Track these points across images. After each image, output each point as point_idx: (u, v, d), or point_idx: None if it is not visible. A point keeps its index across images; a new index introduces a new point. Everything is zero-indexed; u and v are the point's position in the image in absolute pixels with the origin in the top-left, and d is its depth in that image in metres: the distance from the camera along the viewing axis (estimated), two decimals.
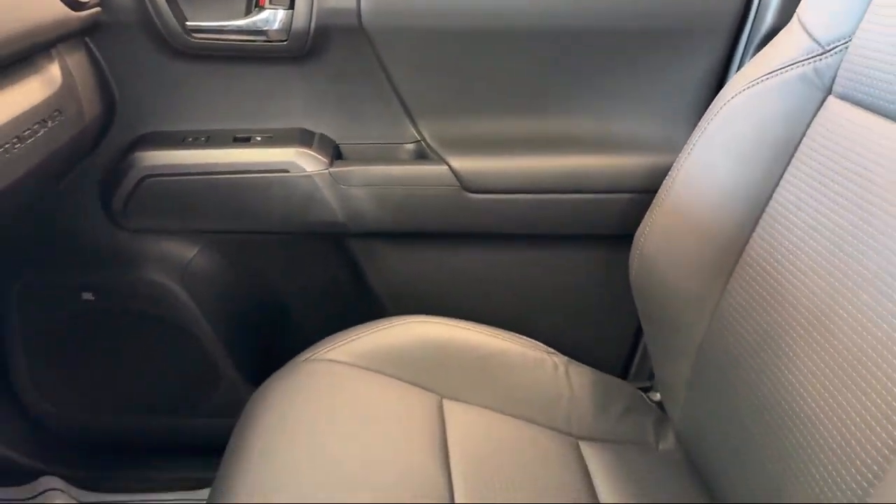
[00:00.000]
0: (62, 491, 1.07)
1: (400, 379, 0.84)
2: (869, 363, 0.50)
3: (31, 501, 1.05)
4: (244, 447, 0.72)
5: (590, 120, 0.97)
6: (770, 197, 0.68)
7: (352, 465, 0.69)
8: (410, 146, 1.00)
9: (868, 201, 0.55)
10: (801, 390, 0.56)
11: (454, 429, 0.79)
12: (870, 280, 0.53)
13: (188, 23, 0.90)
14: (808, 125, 0.66)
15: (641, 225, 0.84)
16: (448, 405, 0.83)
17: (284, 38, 0.91)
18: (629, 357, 1.13)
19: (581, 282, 1.03)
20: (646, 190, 0.90)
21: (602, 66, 0.94)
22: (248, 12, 0.92)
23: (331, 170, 0.94)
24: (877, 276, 0.52)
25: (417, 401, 0.81)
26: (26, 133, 0.72)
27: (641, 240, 0.83)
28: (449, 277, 1.03)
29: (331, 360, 0.85)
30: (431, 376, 0.86)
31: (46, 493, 1.06)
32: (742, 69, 0.77)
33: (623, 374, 1.14)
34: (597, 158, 0.95)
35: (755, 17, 0.89)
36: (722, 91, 0.77)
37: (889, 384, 0.48)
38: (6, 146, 0.66)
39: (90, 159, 0.95)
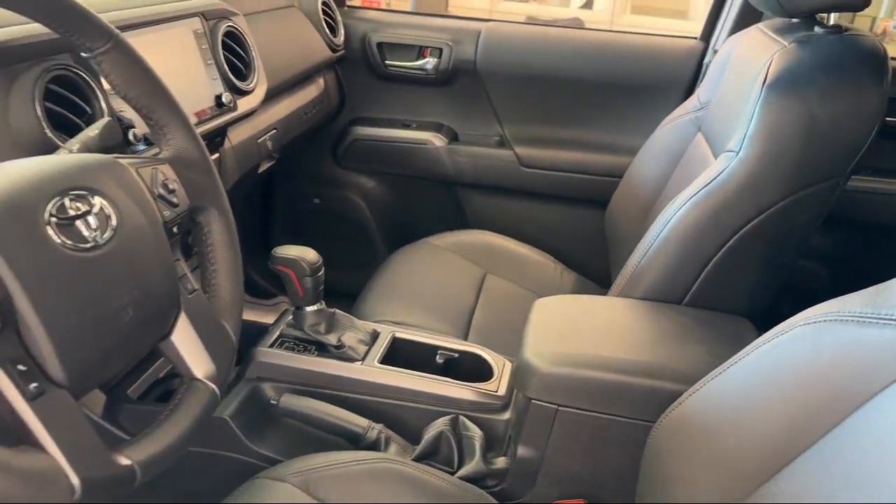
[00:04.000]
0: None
1: (466, 258, 1.59)
2: None
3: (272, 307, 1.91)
4: (382, 282, 1.48)
5: (595, 131, 1.69)
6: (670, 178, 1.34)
7: (428, 290, 1.44)
8: (496, 137, 1.77)
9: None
10: None
11: (487, 287, 1.52)
12: None
13: (386, 61, 1.72)
14: (688, 145, 1.32)
15: (613, 196, 1.54)
16: (489, 276, 1.57)
17: (434, 74, 1.71)
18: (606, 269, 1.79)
19: (577, 223, 1.74)
20: (619, 175, 1.59)
21: (606, 101, 1.65)
22: (417, 58, 1.72)
23: (449, 146, 1.73)
24: None
25: (473, 269, 1.56)
26: (306, 112, 1.58)
27: (611, 203, 1.53)
28: (505, 214, 1.79)
29: (433, 245, 1.62)
30: (484, 260, 1.59)
31: (279, 305, 1.93)
32: (671, 113, 1.45)
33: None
34: (596, 155, 1.66)
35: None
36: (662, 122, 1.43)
37: None
38: (302, 116, 1.52)
39: (329, 127, 1.80)
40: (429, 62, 1.71)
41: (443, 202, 1.86)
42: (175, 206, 0.71)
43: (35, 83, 0.78)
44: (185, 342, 0.69)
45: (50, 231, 0.56)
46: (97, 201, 0.61)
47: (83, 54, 0.70)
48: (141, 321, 0.62)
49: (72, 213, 0.58)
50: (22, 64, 0.79)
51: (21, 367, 0.52)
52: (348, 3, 1.81)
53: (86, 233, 0.58)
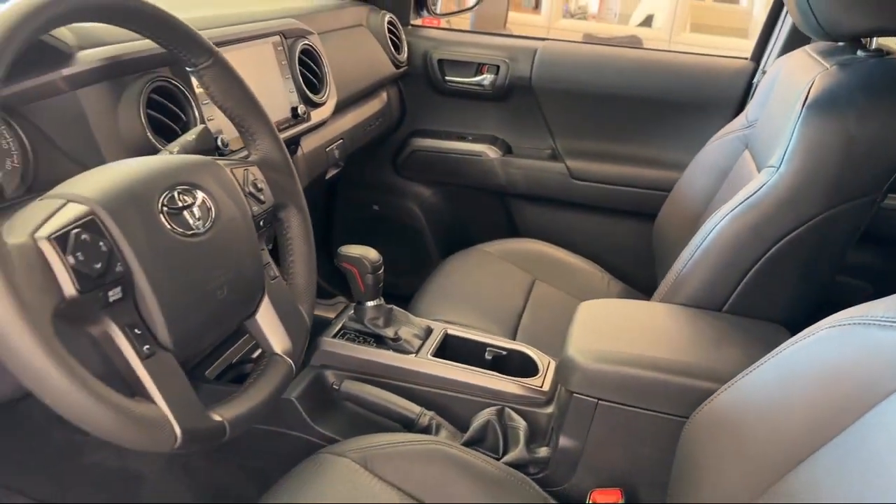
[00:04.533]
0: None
1: (516, 265, 1.67)
2: None
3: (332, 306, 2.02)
4: (436, 285, 1.57)
5: (645, 146, 1.75)
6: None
7: (479, 293, 1.52)
8: (548, 151, 1.84)
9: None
10: None
11: (535, 292, 1.59)
12: None
13: (446, 77, 1.82)
14: (735, 161, 1.37)
15: (662, 209, 1.59)
16: (537, 283, 1.64)
17: (491, 89, 1.80)
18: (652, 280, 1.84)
19: (625, 234, 1.80)
20: (667, 189, 1.64)
21: (657, 117, 1.71)
22: (475, 74, 1.81)
23: (503, 158, 1.81)
24: None
25: (522, 275, 1.63)
26: (370, 123, 1.68)
27: (659, 215, 1.58)
28: (554, 224, 1.86)
29: (485, 251, 1.70)
30: (533, 267, 1.66)
31: (337, 305, 2.03)
32: (720, 131, 1.50)
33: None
34: (645, 169, 1.72)
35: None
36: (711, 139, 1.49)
37: None
38: (366, 127, 1.62)
39: (390, 138, 1.91)
40: (486, 78, 1.80)
41: (495, 211, 1.94)
42: (262, 202, 0.81)
43: (140, 93, 0.89)
44: (268, 321, 0.79)
45: (163, 219, 0.66)
46: (200, 195, 0.71)
47: (188, 68, 0.80)
48: (233, 300, 0.72)
49: (180, 204, 0.68)
50: (130, 76, 0.90)
51: (137, 331, 0.62)
52: (413, 23, 1.91)
53: (191, 221, 0.69)
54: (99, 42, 0.87)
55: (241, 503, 1.17)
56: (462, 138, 1.86)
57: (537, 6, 6.80)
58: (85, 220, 0.60)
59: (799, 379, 0.77)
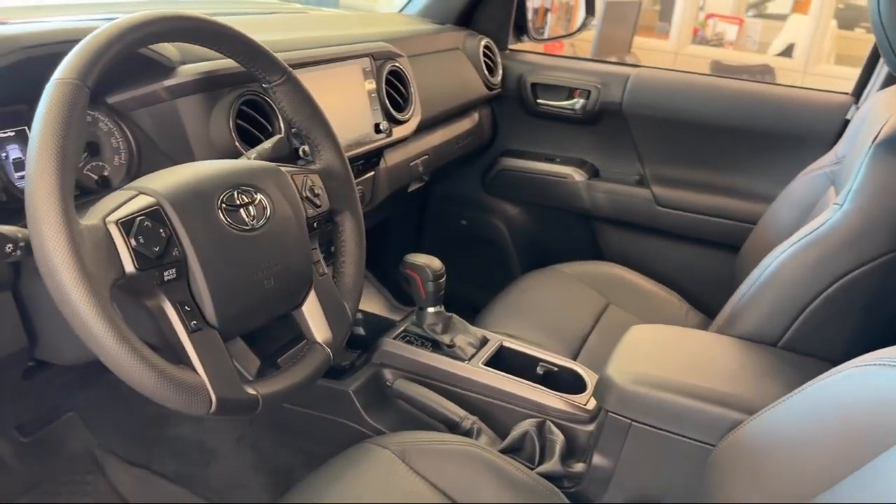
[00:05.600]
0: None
1: (592, 287, 1.68)
2: None
3: None
4: (507, 300, 1.62)
5: (733, 177, 1.72)
6: None
7: (547, 311, 1.55)
8: (636, 176, 1.85)
9: None
10: None
11: (607, 316, 1.60)
12: None
13: (538, 100, 1.87)
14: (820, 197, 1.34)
15: (746, 241, 1.56)
16: (611, 307, 1.65)
17: (581, 113, 1.83)
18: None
19: (708, 264, 1.76)
20: (753, 221, 1.61)
21: (747, 148, 1.68)
22: (567, 98, 1.85)
23: (588, 181, 1.84)
24: None
25: (596, 298, 1.65)
26: (458, 141, 1.76)
27: (743, 248, 1.55)
28: (637, 249, 1.85)
29: (562, 272, 1.73)
30: (609, 291, 1.67)
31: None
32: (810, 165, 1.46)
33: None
34: (732, 200, 1.69)
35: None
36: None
37: None
38: (454, 145, 1.71)
39: (481, 157, 1.98)
40: (577, 102, 1.83)
41: (579, 233, 1.96)
42: (318, 206, 0.90)
43: (231, 105, 1.01)
44: (312, 313, 0.87)
45: (220, 214, 0.76)
46: (258, 196, 0.80)
47: (263, 85, 0.91)
48: (279, 290, 0.81)
49: (238, 202, 0.78)
50: (223, 89, 1.02)
51: (187, 308, 0.72)
52: (511, 48, 1.98)
53: (246, 218, 0.78)
54: (198, 58, 1.00)
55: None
56: (550, 160, 1.90)
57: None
58: (150, 209, 0.70)
59: (820, 414, 0.78)
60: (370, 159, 1.38)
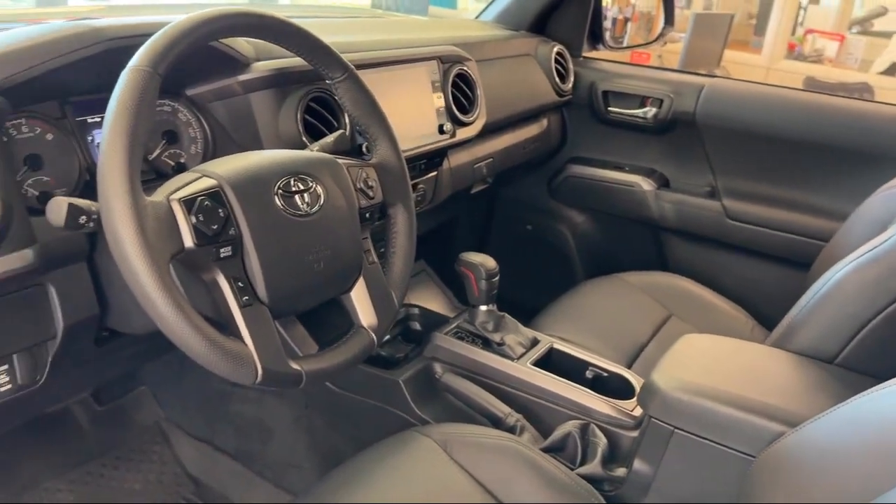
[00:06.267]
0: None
1: (654, 298, 1.66)
2: None
3: None
4: (565, 304, 1.62)
5: (807, 192, 1.67)
6: None
7: (605, 319, 1.54)
8: (706, 188, 1.82)
9: None
10: None
11: (667, 327, 1.58)
12: None
13: (609, 108, 1.87)
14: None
15: (818, 258, 1.52)
16: (673, 319, 1.63)
17: (653, 122, 1.82)
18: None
19: (778, 281, 1.71)
20: (825, 238, 1.56)
21: (823, 164, 1.63)
22: (639, 107, 1.84)
23: (657, 191, 1.82)
24: None
25: (657, 309, 1.62)
26: (525, 146, 1.78)
27: (814, 265, 1.50)
28: (704, 262, 1.82)
29: (625, 280, 1.71)
30: (672, 303, 1.65)
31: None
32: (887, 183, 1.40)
33: None
34: (805, 216, 1.64)
35: None
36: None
37: None
38: (521, 150, 1.73)
39: (549, 162, 1.99)
40: (649, 111, 1.82)
41: (645, 243, 1.94)
42: (371, 198, 0.94)
43: (299, 101, 1.07)
44: (360, 298, 0.91)
45: (276, 199, 0.81)
46: (313, 184, 0.85)
47: (327, 81, 0.96)
48: (328, 274, 0.86)
49: (294, 189, 0.83)
50: (293, 86, 1.08)
51: (240, 284, 0.77)
52: (585, 55, 1.99)
53: (300, 204, 0.83)
54: (272, 55, 1.06)
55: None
56: (619, 168, 1.89)
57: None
58: (211, 191, 0.76)
59: (864, 428, 0.77)
60: (433, 159, 1.42)
